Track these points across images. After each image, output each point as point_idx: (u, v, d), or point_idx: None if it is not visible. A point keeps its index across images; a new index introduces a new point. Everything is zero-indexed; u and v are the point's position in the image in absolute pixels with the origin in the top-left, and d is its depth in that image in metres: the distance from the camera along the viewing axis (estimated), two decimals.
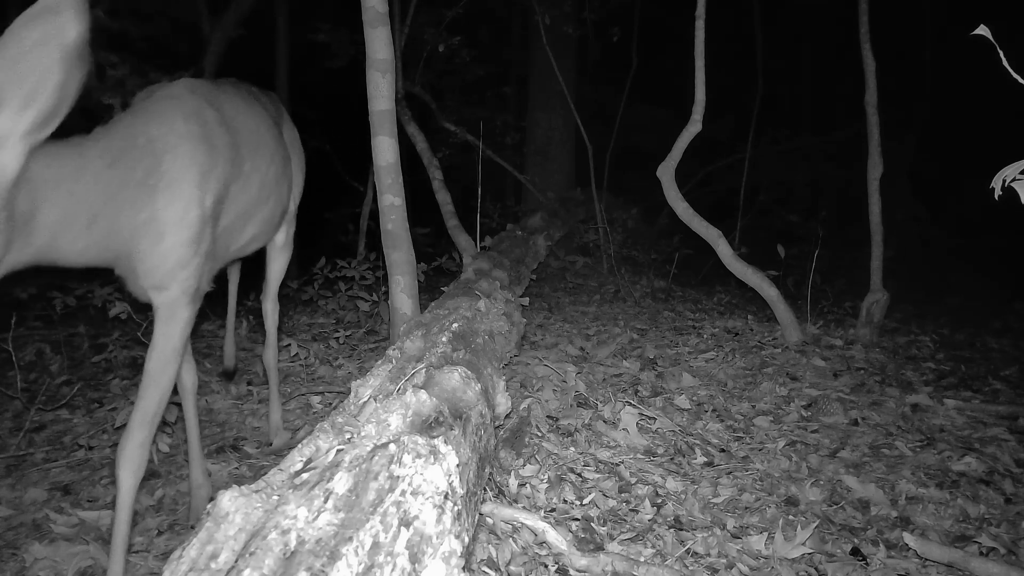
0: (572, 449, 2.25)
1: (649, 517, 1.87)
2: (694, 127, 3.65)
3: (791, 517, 1.91)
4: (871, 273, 3.74)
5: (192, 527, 1.81)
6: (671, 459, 2.25)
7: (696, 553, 1.72)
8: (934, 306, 5.66)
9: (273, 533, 0.96)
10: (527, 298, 3.63)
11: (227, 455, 2.28)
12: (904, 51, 8.23)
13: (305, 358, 3.19)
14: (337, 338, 3.44)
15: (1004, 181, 1.10)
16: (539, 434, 2.32)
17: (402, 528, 1.02)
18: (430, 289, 4.35)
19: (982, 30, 1.10)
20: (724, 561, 1.68)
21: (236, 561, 0.93)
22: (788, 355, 3.34)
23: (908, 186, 8.07)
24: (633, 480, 2.07)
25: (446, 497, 1.14)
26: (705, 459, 2.27)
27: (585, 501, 1.93)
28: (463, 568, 1.05)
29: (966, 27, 1.18)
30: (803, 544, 1.73)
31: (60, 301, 3.53)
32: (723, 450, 2.34)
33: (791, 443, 2.39)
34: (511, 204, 7.23)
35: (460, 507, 1.17)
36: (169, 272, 1.58)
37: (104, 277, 3.51)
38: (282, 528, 0.97)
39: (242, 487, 1.05)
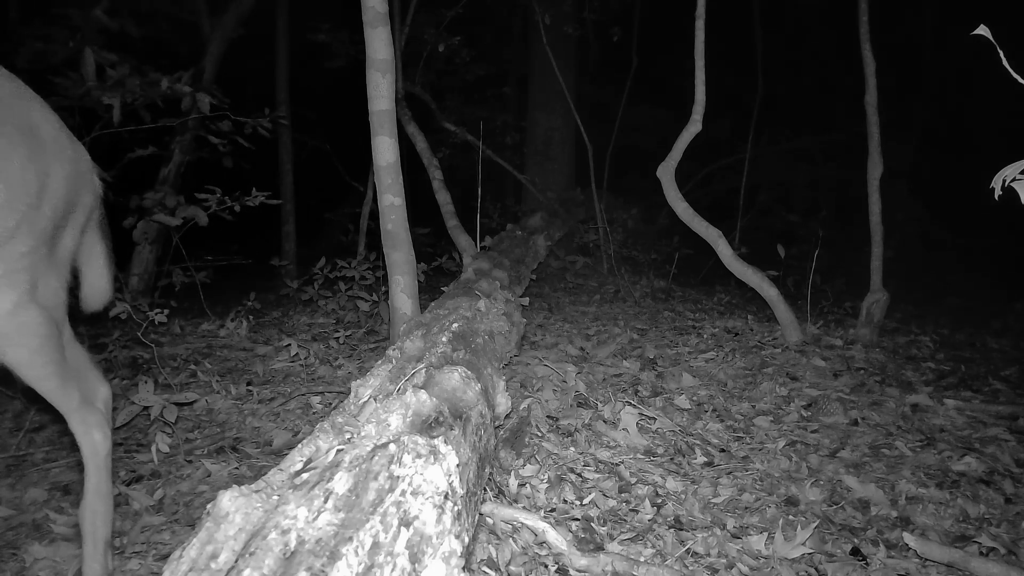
0: (572, 449, 2.25)
1: (649, 517, 1.87)
2: (694, 127, 3.65)
3: (791, 517, 1.91)
4: (871, 273, 3.74)
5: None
6: (671, 459, 2.25)
7: (696, 553, 1.72)
8: (934, 306, 5.66)
9: (273, 533, 0.96)
10: (527, 298, 3.64)
11: (227, 455, 2.28)
12: (904, 51, 8.23)
13: (305, 358, 3.19)
14: (337, 338, 3.44)
15: (1004, 181, 1.10)
16: (539, 434, 2.32)
17: (402, 528, 1.02)
18: (430, 289, 4.35)
19: (982, 30, 1.10)
20: (724, 561, 1.68)
21: (236, 561, 0.93)
22: (788, 355, 3.34)
23: (908, 186, 8.07)
24: (633, 480, 2.07)
25: (446, 497, 1.14)
26: (705, 459, 2.27)
27: (585, 501, 1.93)
28: (463, 568, 1.05)
29: (966, 27, 1.18)
30: (803, 544, 1.73)
31: None
32: (723, 450, 2.34)
33: (791, 443, 2.39)
34: (511, 204, 7.23)
35: (460, 507, 1.17)
36: None
37: None
38: (282, 528, 0.97)
39: (242, 487, 1.05)
